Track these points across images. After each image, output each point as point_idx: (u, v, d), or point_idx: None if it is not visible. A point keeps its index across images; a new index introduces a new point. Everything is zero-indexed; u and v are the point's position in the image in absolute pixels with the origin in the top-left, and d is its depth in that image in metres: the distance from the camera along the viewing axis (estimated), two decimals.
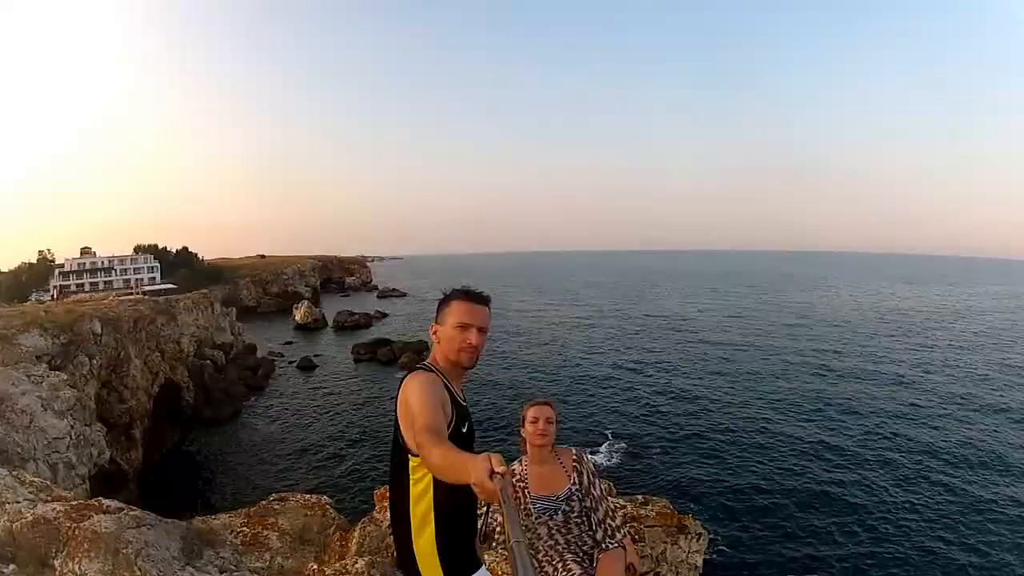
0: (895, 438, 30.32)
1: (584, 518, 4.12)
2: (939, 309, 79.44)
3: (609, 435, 33.09)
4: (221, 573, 4.77)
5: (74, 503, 4.02)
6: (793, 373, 44.40)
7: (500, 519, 2.55)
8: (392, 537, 2.97)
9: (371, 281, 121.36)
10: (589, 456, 4.23)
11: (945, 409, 34.33)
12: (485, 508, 3.72)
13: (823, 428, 32.18)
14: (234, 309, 57.56)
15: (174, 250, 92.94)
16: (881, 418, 33.25)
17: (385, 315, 78.14)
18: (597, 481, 4.22)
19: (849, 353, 50.74)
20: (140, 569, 3.76)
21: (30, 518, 3.73)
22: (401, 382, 2.75)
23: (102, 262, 76.13)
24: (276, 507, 6.46)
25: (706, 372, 46.04)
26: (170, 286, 68.96)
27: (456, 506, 2.66)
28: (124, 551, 3.78)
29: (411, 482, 2.64)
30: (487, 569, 2.91)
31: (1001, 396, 36.60)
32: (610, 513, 4.20)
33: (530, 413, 4.00)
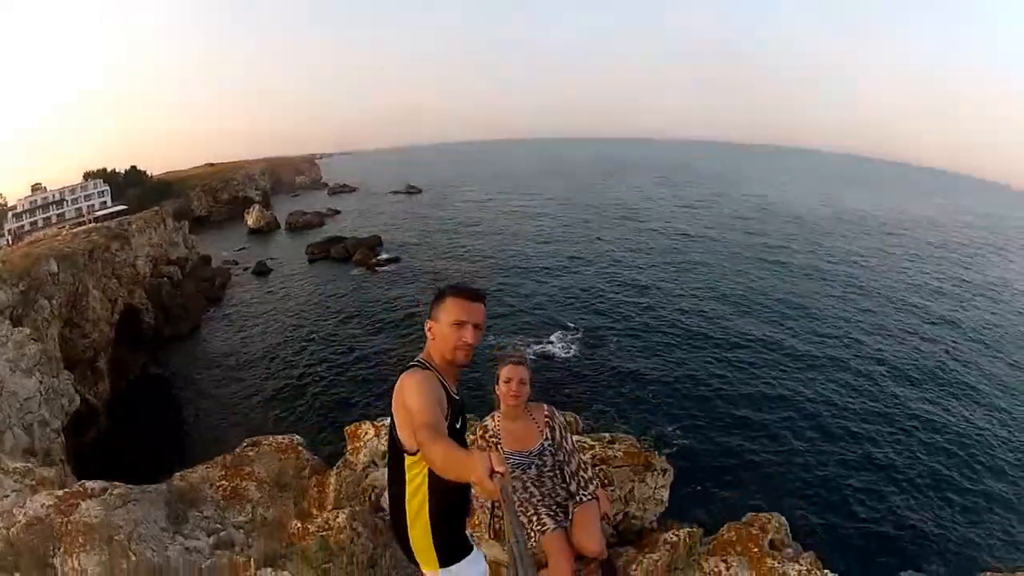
0: (848, 341, 31.65)
1: (557, 471, 4.27)
2: (892, 216, 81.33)
3: (569, 324, 33.88)
4: (209, 536, 4.88)
5: (60, 493, 4.05)
6: (745, 268, 45.69)
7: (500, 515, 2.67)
8: (391, 524, 3.10)
9: (321, 179, 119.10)
10: (559, 415, 4.32)
11: (899, 319, 35.73)
12: (491, 507, 3.84)
13: (774, 325, 33.51)
14: (186, 222, 56.51)
15: (123, 171, 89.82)
16: (835, 320, 34.58)
17: (337, 212, 77.34)
18: (569, 436, 4.35)
19: (803, 251, 52.23)
20: (135, 553, 3.87)
21: (23, 521, 3.77)
22: (397, 381, 2.79)
23: (53, 196, 73.68)
24: (250, 454, 6.56)
25: (659, 263, 46.98)
26: (121, 208, 67.92)
27: (448, 499, 2.81)
28: (117, 537, 3.87)
29: (407, 479, 2.78)
30: (480, 551, 3.13)
31: (954, 312, 37.93)
32: (582, 465, 4.36)
33: (504, 372, 4.08)
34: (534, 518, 4.19)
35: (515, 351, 4.36)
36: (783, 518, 5.08)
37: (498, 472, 1.92)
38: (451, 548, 2.88)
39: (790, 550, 4.63)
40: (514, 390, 4.00)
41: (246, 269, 50.73)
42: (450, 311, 2.82)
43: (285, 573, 4.18)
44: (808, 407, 24.76)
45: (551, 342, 31.98)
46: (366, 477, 6.07)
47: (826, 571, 4.20)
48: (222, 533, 5.04)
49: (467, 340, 2.80)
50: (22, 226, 67.60)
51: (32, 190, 73.93)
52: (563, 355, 30.50)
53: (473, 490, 3.12)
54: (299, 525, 4.93)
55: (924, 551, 17.03)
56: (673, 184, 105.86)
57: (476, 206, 78.91)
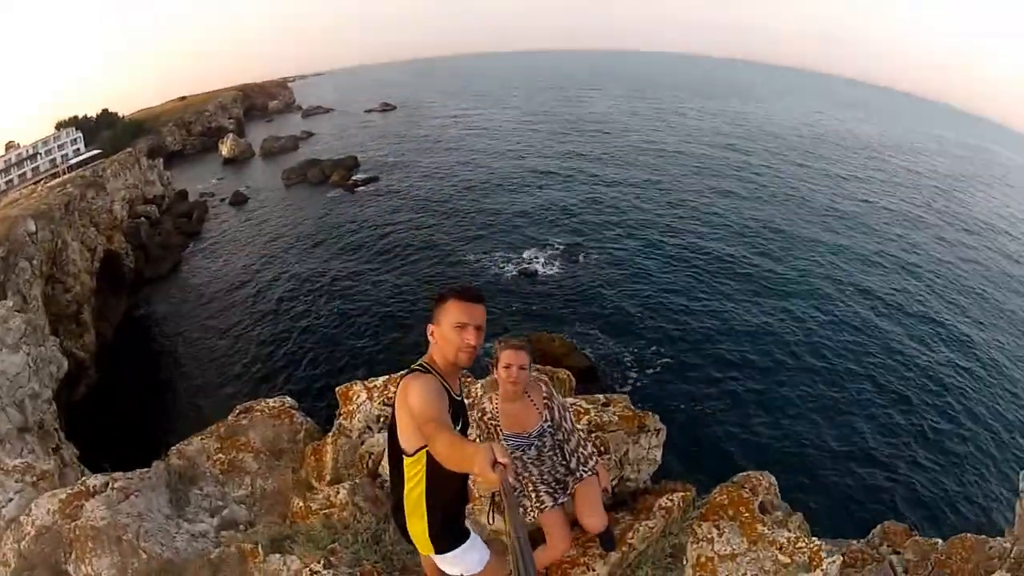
0: (828, 269, 31.80)
1: (557, 450, 4.31)
2: (871, 139, 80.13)
3: (547, 241, 33.94)
4: (212, 515, 4.94)
5: (63, 496, 4.06)
6: (726, 186, 45.46)
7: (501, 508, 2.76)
8: (392, 512, 3.33)
9: (295, 102, 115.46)
10: (559, 397, 4.33)
11: (880, 247, 35.95)
12: (491, 497, 3.87)
13: (750, 247, 33.66)
14: (161, 159, 56.13)
15: (94, 115, 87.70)
16: (815, 247, 34.66)
17: (312, 134, 76.37)
18: (568, 414, 4.38)
19: (786, 174, 51.68)
20: (144, 551, 3.89)
21: (32, 532, 3.80)
22: (399, 385, 2.87)
23: (26, 151, 71.13)
24: (244, 422, 6.58)
25: (639, 180, 46.69)
26: (95, 153, 66.76)
27: (445, 493, 2.95)
28: (125, 537, 3.90)
29: (406, 478, 2.91)
30: (477, 537, 3.26)
31: (933, 247, 37.92)
32: (582, 442, 4.42)
33: (504, 357, 4.00)
34: (532, 495, 4.28)
35: (515, 336, 4.32)
36: (772, 477, 5.26)
37: (500, 464, 1.97)
38: (447, 536, 3.05)
39: (779, 513, 4.82)
40: (514, 376, 3.95)
41: (223, 200, 50.31)
42: (451, 314, 2.85)
43: (293, 557, 4.25)
44: (788, 337, 25.23)
45: (530, 259, 32.16)
46: (362, 444, 6.13)
47: (812, 538, 4.37)
48: (224, 512, 5.11)
49: (470, 342, 2.83)
50: None
51: (6, 148, 71.97)
52: (543, 272, 30.72)
53: (470, 481, 3.25)
54: (301, 504, 5.01)
55: (907, 502, 17.61)
56: (653, 99, 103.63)
57: (451, 122, 77.43)
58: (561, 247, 33.29)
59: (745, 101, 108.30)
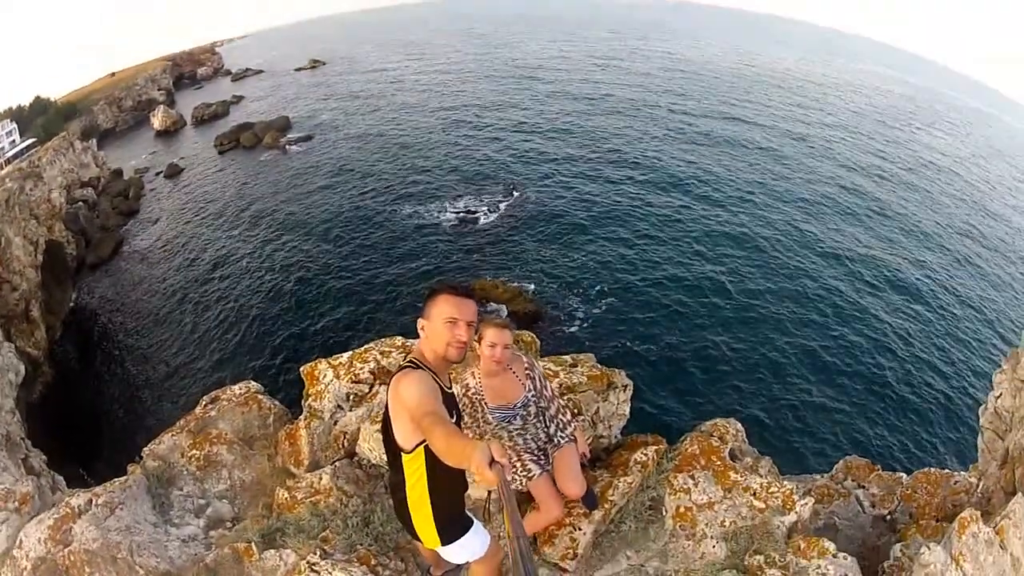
0: (768, 213, 32.45)
1: (539, 417, 4.46)
2: (807, 75, 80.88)
3: (488, 191, 33.88)
4: (197, 516, 4.93)
5: (50, 522, 4.01)
6: (658, 130, 45.63)
7: (499, 502, 2.88)
8: (394, 510, 3.40)
9: (223, 67, 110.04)
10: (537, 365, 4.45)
11: (819, 189, 36.58)
12: (488, 493, 3.97)
13: (686, 193, 34.05)
14: (94, 140, 55.08)
15: (27, 104, 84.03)
16: (752, 189, 35.11)
17: (242, 98, 74.60)
18: (547, 383, 4.51)
19: (719, 115, 51.85)
20: (141, 566, 3.87)
21: (29, 566, 3.71)
22: (390, 383, 2.93)
23: None
24: (212, 413, 6.48)
25: (570, 126, 46.56)
26: (31, 142, 63.75)
27: (447, 486, 3.04)
28: (120, 555, 3.90)
29: (405, 474, 2.98)
30: (479, 523, 3.41)
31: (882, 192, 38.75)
32: (561, 409, 4.58)
33: (488, 336, 4.08)
34: (518, 465, 4.43)
35: (499, 315, 4.34)
36: (738, 424, 5.55)
37: (498, 462, 2.01)
38: (452, 527, 3.15)
39: (748, 459, 5.12)
40: (498, 356, 4.04)
41: (158, 174, 49.34)
42: (443, 309, 2.89)
43: (288, 551, 4.30)
44: (726, 281, 25.89)
45: (467, 209, 32.14)
46: (335, 424, 6.14)
47: (783, 481, 4.68)
48: (208, 510, 5.10)
49: (461, 338, 2.89)
50: None
51: None
52: (482, 220, 30.78)
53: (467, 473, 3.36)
54: (286, 495, 5.03)
55: (865, 440, 18.54)
56: (585, 40, 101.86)
57: (382, 75, 75.44)
58: (497, 196, 33.31)
59: (672, 40, 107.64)
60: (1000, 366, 4.99)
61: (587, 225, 29.72)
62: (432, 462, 2.82)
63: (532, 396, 4.36)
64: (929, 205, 36.66)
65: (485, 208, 32.16)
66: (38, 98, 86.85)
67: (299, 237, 31.18)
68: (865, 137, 50.67)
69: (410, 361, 2.95)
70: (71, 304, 31.02)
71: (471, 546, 3.25)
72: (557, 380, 5.76)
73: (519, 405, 4.33)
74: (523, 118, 48.92)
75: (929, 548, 3.49)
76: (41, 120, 75.76)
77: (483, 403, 4.29)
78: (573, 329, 22.87)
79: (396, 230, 30.57)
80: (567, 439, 4.53)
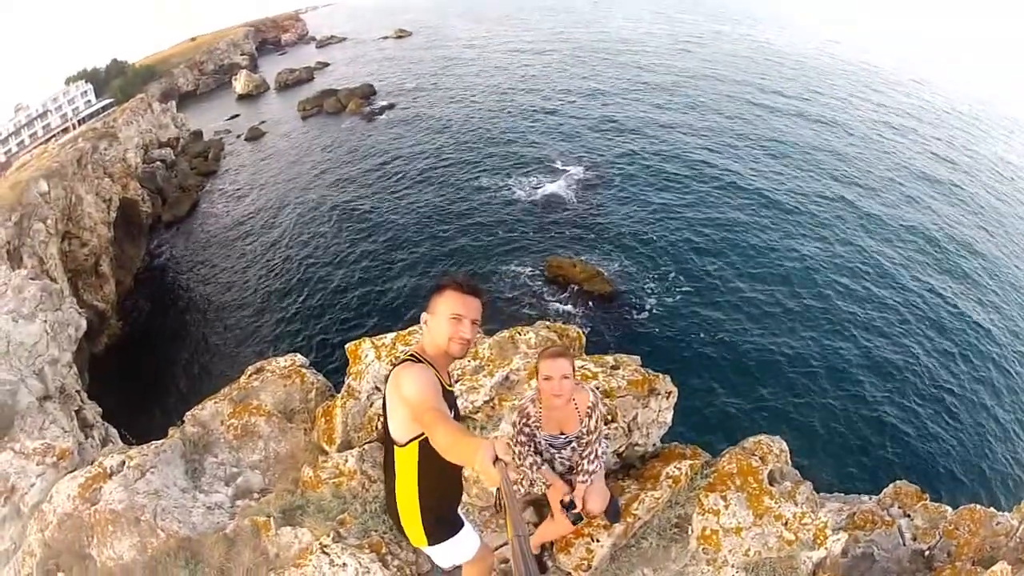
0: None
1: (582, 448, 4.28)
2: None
3: (571, 168, 33.43)
4: (227, 484, 5.05)
5: (81, 479, 4.16)
6: (744, 112, 43.68)
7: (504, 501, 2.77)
8: (384, 504, 3.29)
9: (308, 33, 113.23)
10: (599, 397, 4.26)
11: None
12: (495, 490, 3.86)
13: (776, 178, 32.33)
14: (173, 101, 56.21)
15: (103, 67, 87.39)
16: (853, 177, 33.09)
17: (327, 65, 75.69)
18: (602, 424, 4.26)
19: (819, 100, 48.78)
20: (163, 529, 3.99)
21: (55, 521, 3.89)
22: (389, 375, 2.89)
23: (36, 110, 70.65)
24: (255, 384, 6.66)
25: (655, 103, 45.22)
26: (107, 102, 66.92)
27: (437, 485, 2.98)
28: (143, 517, 4.04)
29: (397, 471, 2.94)
30: (471, 527, 3.34)
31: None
32: (591, 457, 4.26)
33: (542, 368, 3.84)
34: (539, 473, 4.30)
35: (555, 344, 4.18)
36: (784, 443, 5.22)
37: (502, 460, 1.96)
38: (439, 528, 3.09)
39: (788, 483, 4.80)
40: (556, 389, 3.76)
41: (239, 136, 50.37)
42: (448, 304, 2.83)
43: (304, 530, 4.34)
44: (820, 285, 24.20)
45: (548, 183, 31.87)
46: (371, 406, 6.18)
47: (819, 514, 4.35)
48: (239, 480, 5.23)
49: (464, 336, 2.82)
50: (9, 150, 66.59)
51: (15, 111, 71.95)
52: (563, 196, 30.50)
53: (465, 473, 3.25)
54: (311, 473, 5.09)
55: (919, 464, 17.34)
56: (670, 19, 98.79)
57: (466, 45, 75.42)
58: (580, 173, 32.77)
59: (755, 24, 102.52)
60: None
61: (673, 205, 28.83)
62: (424, 458, 2.77)
63: (585, 431, 4.17)
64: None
65: (564, 184, 31.81)
66: (115, 61, 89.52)
67: (373, 205, 31.62)
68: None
69: (411, 355, 2.90)
70: (145, 261, 32.42)
71: (459, 549, 3.18)
72: (594, 382, 5.57)
73: (573, 437, 4.18)
74: (606, 95, 47.85)
75: None
76: (118, 82, 78.49)
77: (538, 430, 4.13)
78: (643, 316, 22.32)
79: (473, 202, 30.62)
80: (585, 482, 4.31)
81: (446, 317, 2.81)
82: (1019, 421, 19.68)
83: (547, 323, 7.00)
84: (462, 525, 3.22)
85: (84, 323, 12.55)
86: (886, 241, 27.17)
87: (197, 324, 25.74)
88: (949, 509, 4.87)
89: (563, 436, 4.14)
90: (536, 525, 4.64)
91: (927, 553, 4.49)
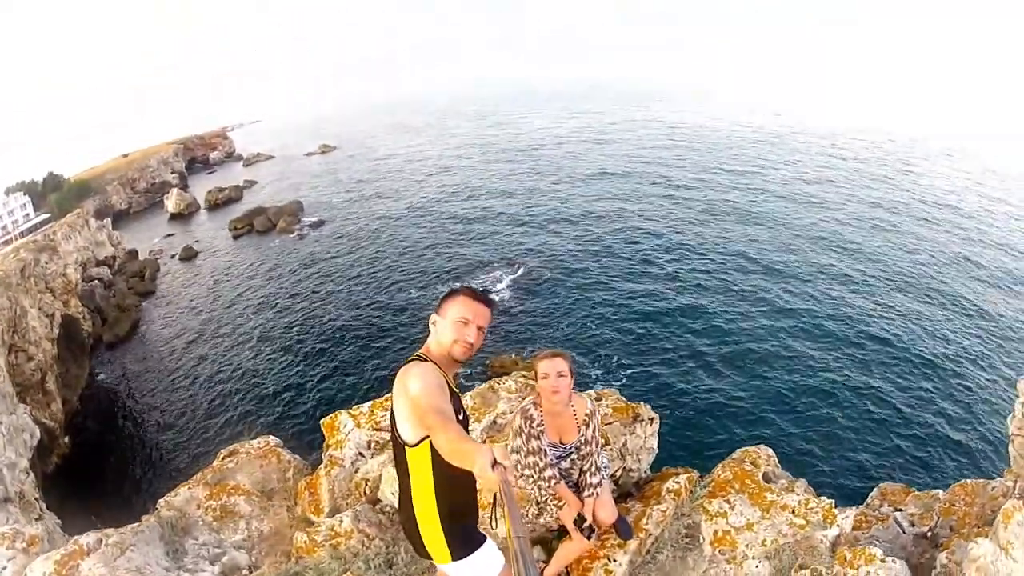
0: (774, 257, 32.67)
1: (580, 461, 4.31)
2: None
3: (502, 268, 34.11)
4: (212, 563, 4.74)
5: (57, 557, 3.81)
6: (669, 196, 46.36)
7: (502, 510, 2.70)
8: (400, 518, 3.15)
9: (235, 151, 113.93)
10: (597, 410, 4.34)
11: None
12: (492, 498, 3.82)
13: (680, 264, 33.95)
14: (108, 219, 55.99)
15: (41, 179, 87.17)
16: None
17: (254, 183, 76.37)
18: (599, 436, 4.34)
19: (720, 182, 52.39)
20: None
21: None
22: (398, 373, 2.83)
23: None
24: (230, 466, 6.36)
25: (579, 196, 47.33)
26: (45, 217, 66.88)
27: (456, 490, 2.87)
28: None
29: (411, 473, 2.84)
30: (492, 542, 3.16)
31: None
32: (595, 467, 4.33)
33: (540, 368, 3.98)
34: (551, 496, 4.28)
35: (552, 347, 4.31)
36: (770, 450, 5.35)
37: (500, 464, 1.97)
38: (462, 540, 2.95)
39: (783, 481, 4.91)
40: (552, 386, 3.91)
41: (173, 256, 50.04)
42: (458, 309, 2.88)
43: None
44: (740, 328, 25.83)
45: (483, 286, 32.12)
46: (356, 472, 5.99)
47: (821, 497, 4.46)
48: (224, 558, 4.90)
49: (469, 340, 2.86)
50: None
51: None
52: (499, 297, 30.76)
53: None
54: (305, 539, 4.85)
55: (898, 467, 18.06)
56: (579, 113, 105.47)
57: (391, 157, 77.57)
58: (509, 274, 33.51)
59: (668, 106, 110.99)
60: None
61: (601, 296, 29.71)
62: (439, 457, 2.63)
63: (583, 440, 4.23)
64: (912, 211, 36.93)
65: (499, 284, 32.36)
66: (51, 174, 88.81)
67: (311, 319, 31.49)
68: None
69: (417, 356, 2.91)
70: (88, 380, 31.13)
71: (483, 567, 3.01)
72: None
73: (572, 446, 4.22)
74: (531, 194, 49.91)
75: (977, 543, 3.30)
76: (55, 196, 77.52)
77: (542, 436, 4.16)
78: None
79: (407, 311, 30.76)
80: (591, 496, 4.36)
81: (454, 320, 2.86)
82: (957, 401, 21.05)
83: (523, 373, 7.07)
84: (484, 539, 3.09)
85: (38, 431, 11.71)
86: (784, 288, 29.05)
87: (152, 442, 24.72)
88: (940, 491, 5.03)
89: (562, 446, 4.16)
90: (546, 562, 4.54)
91: (929, 534, 4.59)
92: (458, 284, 3.34)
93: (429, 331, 3.00)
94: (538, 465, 4.06)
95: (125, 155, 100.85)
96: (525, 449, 4.07)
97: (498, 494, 2.09)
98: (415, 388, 2.62)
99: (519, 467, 4.12)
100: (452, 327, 2.85)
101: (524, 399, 4.98)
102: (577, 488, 4.33)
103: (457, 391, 3.03)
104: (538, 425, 4.08)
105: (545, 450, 4.08)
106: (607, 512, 4.32)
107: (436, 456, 2.70)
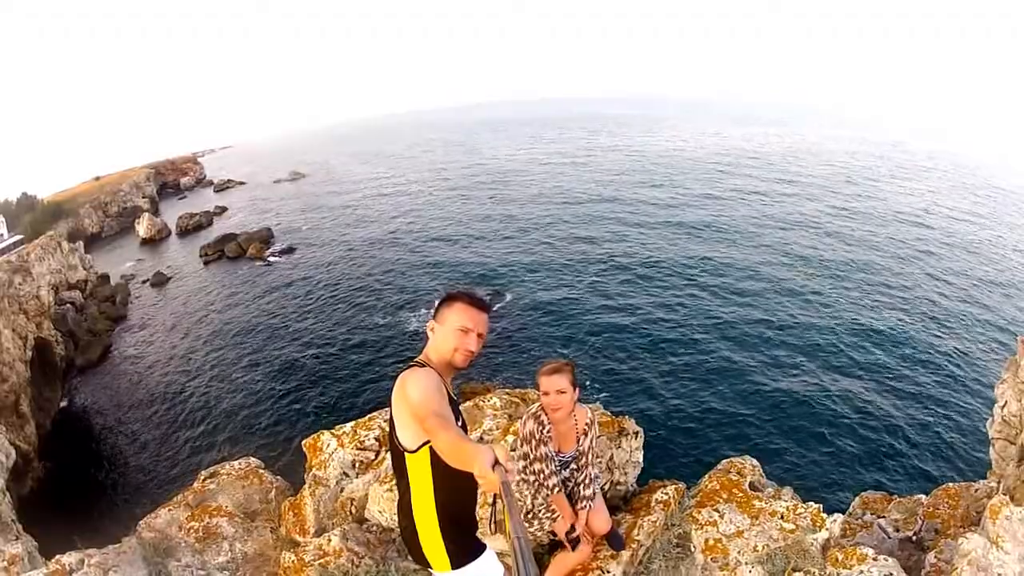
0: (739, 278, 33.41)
1: (577, 472, 4.35)
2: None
3: (495, 290, 34.07)
4: None
5: None
6: (635, 218, 47.05)
7: (501, 510, 2.70)
8: (399, 526, 3.08)
9: (205, 177, 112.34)
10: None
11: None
12: (492, 500, 3.83)
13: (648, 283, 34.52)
14: (81, 242, 54.58)
15: (14, 200, 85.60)
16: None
17: (225, 209, 75.56)
18: (595, 444, 4.40)
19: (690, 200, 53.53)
20: None
21: None
22: (397, 379, 2.80)
23: None
24: (211, 487, 6.25)
25: (550, 221, 47.72)
26: (18, 238, 65.60)
27: (456, 496, 2.84)
28: None
29: (410, 479, 2.81)
30: (492, 551, 3.13)
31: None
32: (588, 480, 4.38)
33: (541, 385, 4.02)
34: (543, 507, 4.30)
35: (553, 360, 4.33)
36: (754, 460, 5.43)
37: (502, 465, 1.98)
38: (462, 548, 2.92)
39: (770, 489, 4.98)
40: (552, 403, 3.96)
41: (144, 282, 49.11)
42: (457, 316, 2.86)
43: None
44: (709, 342, 26.17)
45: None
46: (342, 491, 5.92)
47: (808, 503, 4.54)
48: None
49: (469, 348, 2.86)
50: None
51: None
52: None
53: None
54: (293, 559, 4.76)
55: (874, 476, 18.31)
56: (545, 139, 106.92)
57: (358, 185, 77.68)
58: (486, 295, 33.49)
59: (624, 130, 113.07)
60: (1000, 377, 4.99)
61: (570, 321, 29.87)
62: (438, 462, 2.66)
63: (580, 450, 4.27)
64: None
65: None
66: (25, 195, 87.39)
67: (283, 344, 31.18)
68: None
69: (416, 362, 2.90)
70: (61, 404, 30.35)
71: (484, 575, 2.97)
72: None
73: (571, 456, 4.26)
74: (500, 218, 50.28)
75: (968, 538, 3.39)
76: (29, 217, 76.15)
77: (549, 442, 4.18)
78: None
79: (377, 338, 30.59)
80: (584, 507, 4.40)
81: (454, 328, 2.84)
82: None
83: (507, 390, 7.08)
84: (484, 547, 3.05)
85: (13, 452, 11.30)
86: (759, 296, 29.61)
87: (128, 465, 24.19)
88: (923, 496, 5.14)
89: (561, 455, 4.20)
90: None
91: (915, 538, 4.69)
92: (454, 290, 3.35)
93: (427, 337, 2.99)
94: (543, 472, 4.08)
95: (97, 178, 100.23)
96: (532, 456, 4.09)
97: (498, 494, 2.06)
98: (415, 393, 2.60)
99: (526, 472, 4.15)
100: (453, 335, 2.84)
101: (525, 410, 5.00)
102: (570, 499, 4.36)
103: (456, 398, 3.02)
104: (548, 432, 4.12)
105: (552, 457, 4.11)
106: (601, 521, 4.36)
107: (436, 462, 2.69)
